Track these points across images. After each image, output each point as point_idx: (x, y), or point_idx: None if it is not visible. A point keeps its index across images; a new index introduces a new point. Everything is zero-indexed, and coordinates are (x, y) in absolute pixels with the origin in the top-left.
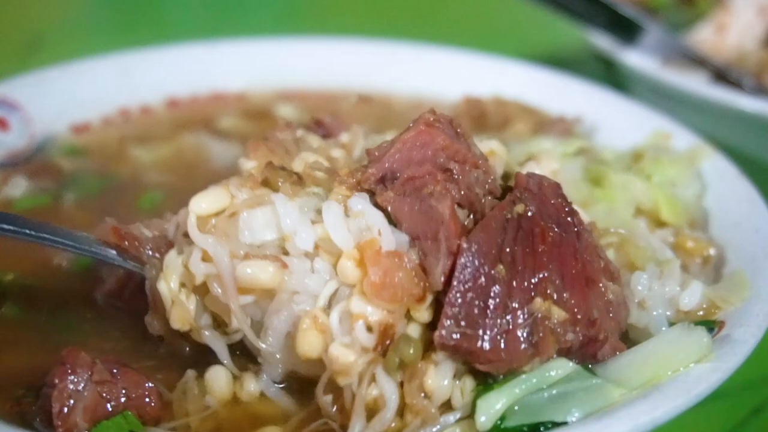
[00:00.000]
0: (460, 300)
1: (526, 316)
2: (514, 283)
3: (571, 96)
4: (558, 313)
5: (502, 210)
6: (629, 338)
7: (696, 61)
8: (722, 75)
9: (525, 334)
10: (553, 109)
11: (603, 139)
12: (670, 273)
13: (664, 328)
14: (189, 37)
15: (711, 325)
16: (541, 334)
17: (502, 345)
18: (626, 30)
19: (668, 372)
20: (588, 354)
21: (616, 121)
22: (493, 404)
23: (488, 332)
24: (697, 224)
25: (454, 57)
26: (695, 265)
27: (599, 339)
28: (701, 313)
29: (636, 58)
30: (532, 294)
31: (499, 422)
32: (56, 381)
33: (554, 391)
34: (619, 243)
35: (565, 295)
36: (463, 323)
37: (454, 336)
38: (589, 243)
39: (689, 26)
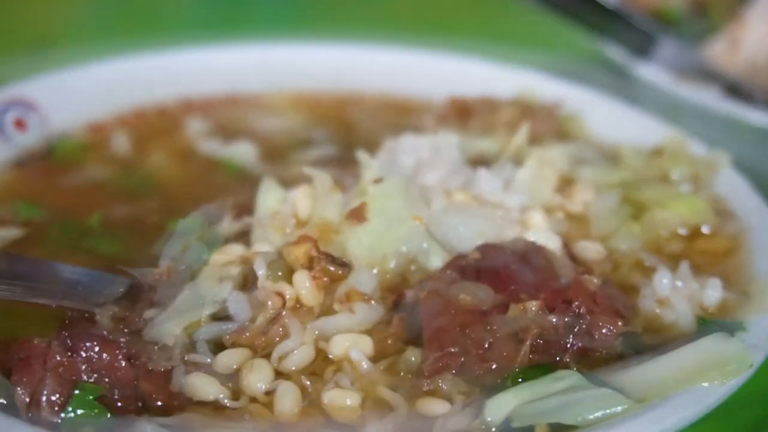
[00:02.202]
0: (433, 335)
1: (505, 322)
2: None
3: (579, 106)
4: (532, 304)
5: (457, 260)
6: (655, 331)
7: (709, 75)
8: (734, 89)
9: (509, 335)
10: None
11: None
12: (682, 272)
13: (689, 323)
14: (199, 40)
15: (741, 328)
16: (523, 328)
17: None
18: (640, 42)
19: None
20: (581, 334)
21: (625, 132)
22: (502, 404)
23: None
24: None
25: (459, 64)
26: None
27: (581, 316)
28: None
29: (649, 71)
30: (507, 304)
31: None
32: (17, 377)
33: (563, 398)
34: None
35: (539, 294)
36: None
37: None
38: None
39: (703, 39)
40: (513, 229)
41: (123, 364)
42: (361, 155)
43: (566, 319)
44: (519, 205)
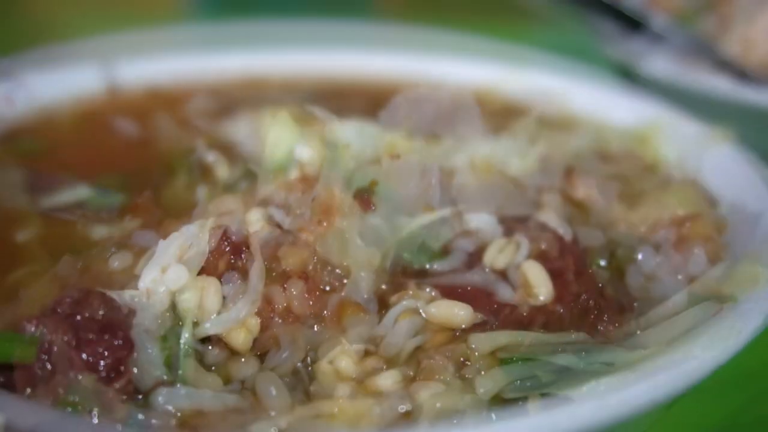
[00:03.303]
0: None
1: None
2: None
3: (579, 93)
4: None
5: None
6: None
7: (717, 64)
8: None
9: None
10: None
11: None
12: (665, 249)
13: (681, 296)
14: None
15: (731, 300)
16: (529, 316)
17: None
18: (629, 20)
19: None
20: (585, 328)
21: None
22: (494, 377)
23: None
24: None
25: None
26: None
27: (589, 309)
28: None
29: (654, 64)
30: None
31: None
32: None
33: (557, 374)
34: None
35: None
36: None
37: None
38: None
39: (696, 19)
40: (528, 209)
41: (114, 406)
42: (402, 101)
43: (573, 312)
44: (536, 186)
